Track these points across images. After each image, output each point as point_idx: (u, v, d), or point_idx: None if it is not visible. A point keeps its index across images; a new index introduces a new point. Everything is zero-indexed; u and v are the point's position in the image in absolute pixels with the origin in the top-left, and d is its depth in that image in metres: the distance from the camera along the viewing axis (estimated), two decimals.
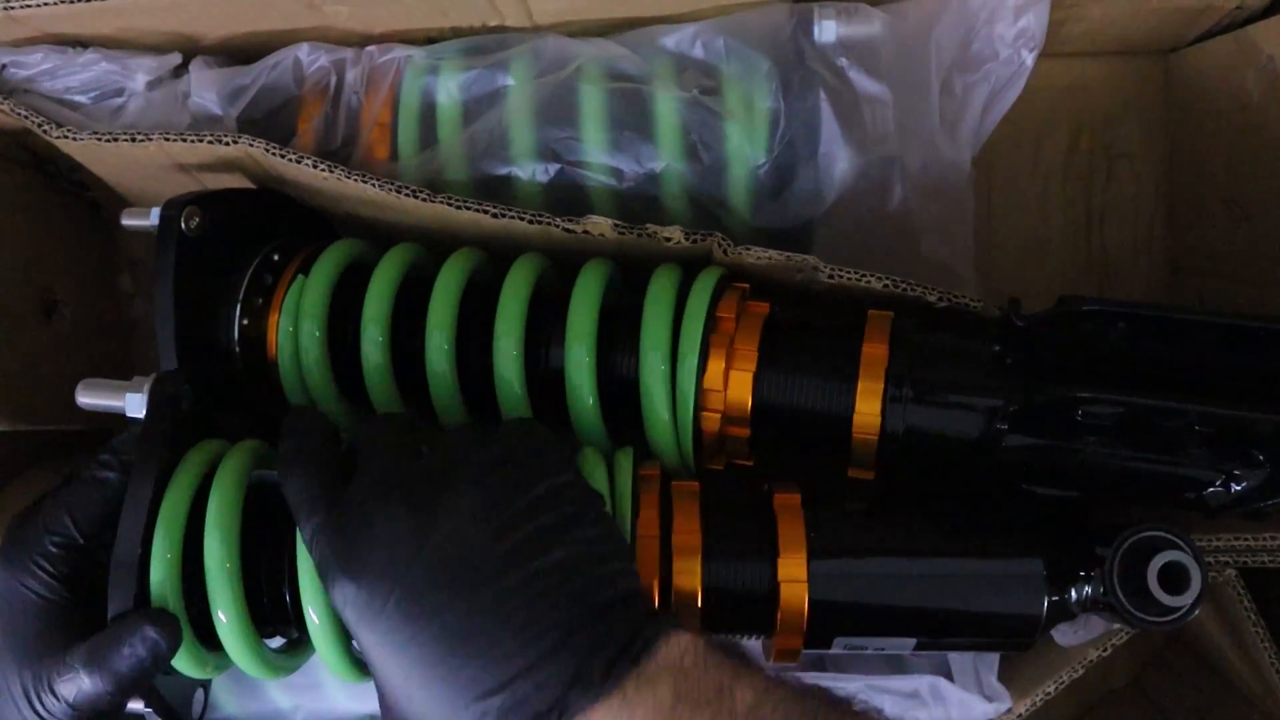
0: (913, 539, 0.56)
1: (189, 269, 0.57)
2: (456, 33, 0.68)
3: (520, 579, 0.44)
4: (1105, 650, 0.64)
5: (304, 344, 0.59)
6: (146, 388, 0.54)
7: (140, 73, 0.66)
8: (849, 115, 0.64)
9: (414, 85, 0.66)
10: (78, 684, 0.48)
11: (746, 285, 0.60)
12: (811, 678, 0.65)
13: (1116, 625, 0.62)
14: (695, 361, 0.55)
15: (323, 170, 0.60)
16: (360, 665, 0.52)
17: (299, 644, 0.57)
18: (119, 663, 0.48)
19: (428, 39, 0.68)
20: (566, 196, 0.64)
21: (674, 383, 0.56)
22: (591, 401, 0.57)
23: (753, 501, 0.57)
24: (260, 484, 0.53)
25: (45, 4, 0.62)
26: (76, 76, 0.66)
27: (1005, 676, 0.66)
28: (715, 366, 0.56)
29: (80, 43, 0.67)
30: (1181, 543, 0.51)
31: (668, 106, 0.63)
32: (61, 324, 0.77)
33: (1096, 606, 0.53)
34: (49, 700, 0.49)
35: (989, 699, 0.65)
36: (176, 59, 0.68)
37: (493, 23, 0.67)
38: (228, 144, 0.61)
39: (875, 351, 0.56)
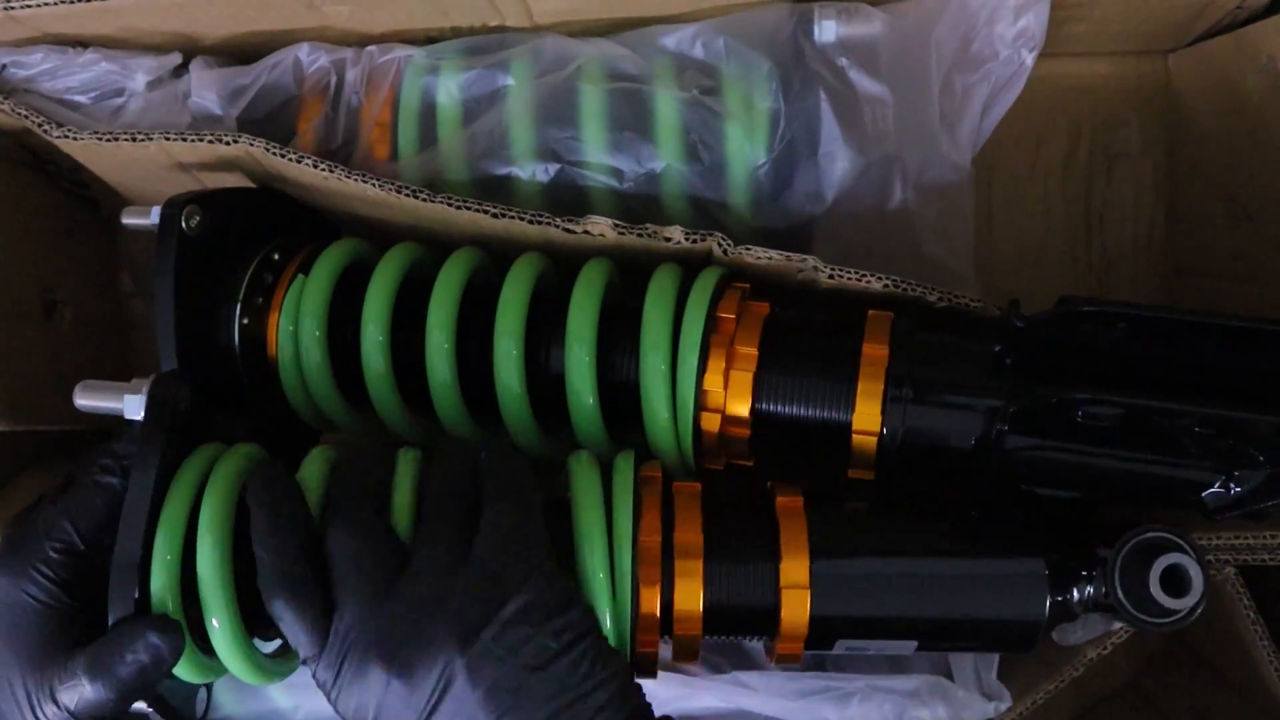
0: (915, 540, 0.56)
1: (189, 269, 0.57)
2: (456, 33, 0.68)
3: None
4: (1105, 650, 0.64)
5: (304, 344, 0.59)
6: (145, 390, 0.54)
7: (140, 73, 0.66)
8: (849, 115, 0.64)
9: (414, 85, 0.66)
10: (79, 692, 0.48)
11: (747, 285, 0.60)
12: (812, 677, 0.65)
13: (1117, 625, 0.62)
14: (695, 362, 0.55)
15: (323, 170, 0.60)
16: None
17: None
18: (122, 670, 0.47)
19: (428, 39, 0.68)
20: (566, 196, 0.64)
21: (674, 383, 0.56)
22: (591, 401, 0.57)
23: (755, 503, 0.57)
24: None
25: (45, 4, 0.62)
26: (76, 76, 0.66)
27: (1005, 676, 0.66)
28: (715, 367, 0.56)
29: (80, 43, 0.67)
30: (1184, 545, 0.51)
31: (668, 106, 0.63)
32: (61, 324, 0.77)
33: (1098, 607, 0.53)
34: (50, 709, 0.48)
35: (989, 698, 0.65)
36: (176, 59, 0.68)
37: (493, 23, 0.67)
38: (228, 144, 0.61)
39: (875, 352, 0.56)
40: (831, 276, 0.59)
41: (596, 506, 0.53)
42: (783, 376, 0.56)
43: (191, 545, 0.50)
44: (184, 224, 0.57)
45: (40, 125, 0.64)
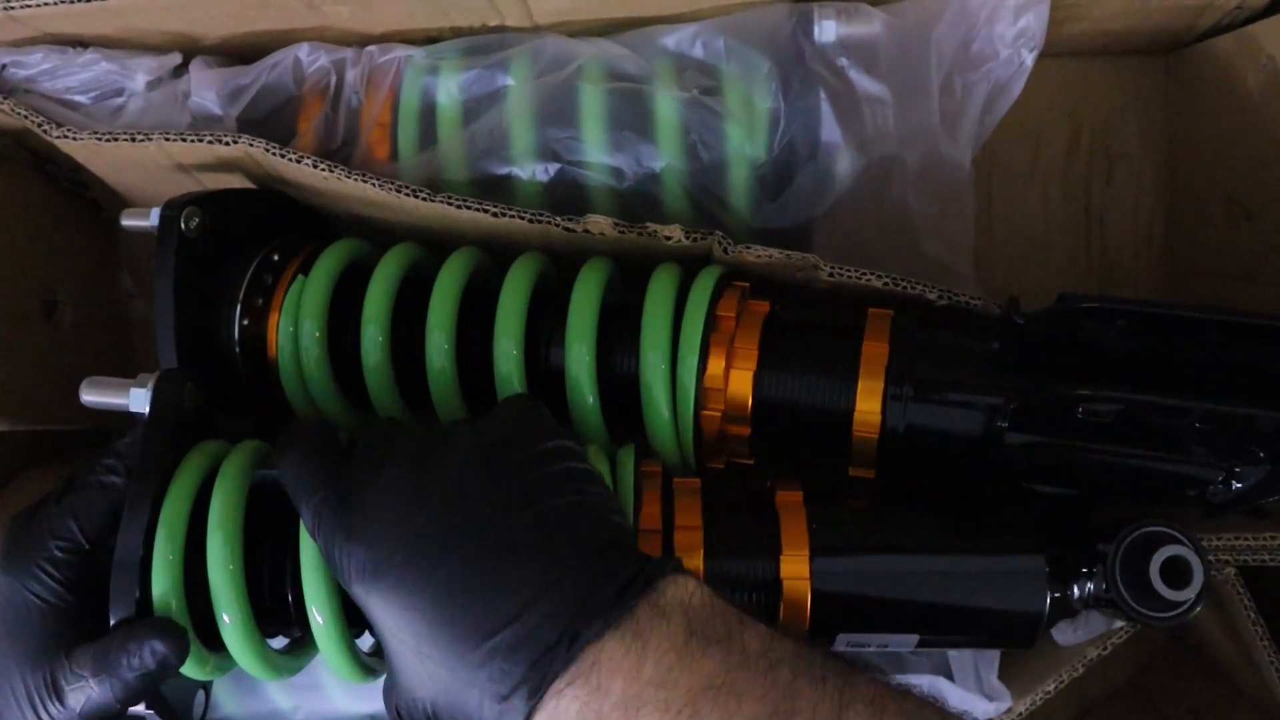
0: (915, 536, 0.56)
1: (189, 269, 0.57)
2: (456, 33, 0.68)
3: (524, 522, 0.44)
4: (1105, 649, 0.64)
5: (304, 344, 0.59)
6: (150, 384, 0.54)
7: (140, 73, 0.66)
8: (849, 115, 0.64)
9: (414, 85, 0.66)
10: (86, 693, 0.48)
11: (747, 284, 0.60)
12: None
13: (1117, 624, 0.62)
14: (695, 360, 0.56)
15: (323, 170, 0.60)
16: (363, 665, 0.52)
17: (302, 644, 0.57)
18: (127, 673, 0.47)
19: (428, 39, 0.68)
20: (566, 196, 0.64)
21: (674, 381, 0.56)
22: (592, 400, 0.57)
23: (755, 499, 0.57)
24: (261, 484, 0.53)
25: (45, 4, 0.62)
26: (76, 76, 0.66)
27: (1005, 675, 0.66)
28: (715, 365, 0.56)
29: (80, 43, 0.67)
30: (1183, 537, 0.51)
31: (668, 106, 0.63)
32: (61, 324, 0.77)
33: (1099, 603, 0.53)
34: (54, 708, 0.48)
35: (989, 698, 0.65)
36: (176, 59, 0.68)
37: (493, 23, 0.67)
38: (228, 144, 0.61)
39: (875, 350, 0.56)
40: (831, 275, 0.59)
41: None
42: (783, 375, 0.56)
43: (193, 542, 0.50)
44: (183, 225, 0.57)
45: (40, 125, 0.64)
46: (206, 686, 0.58)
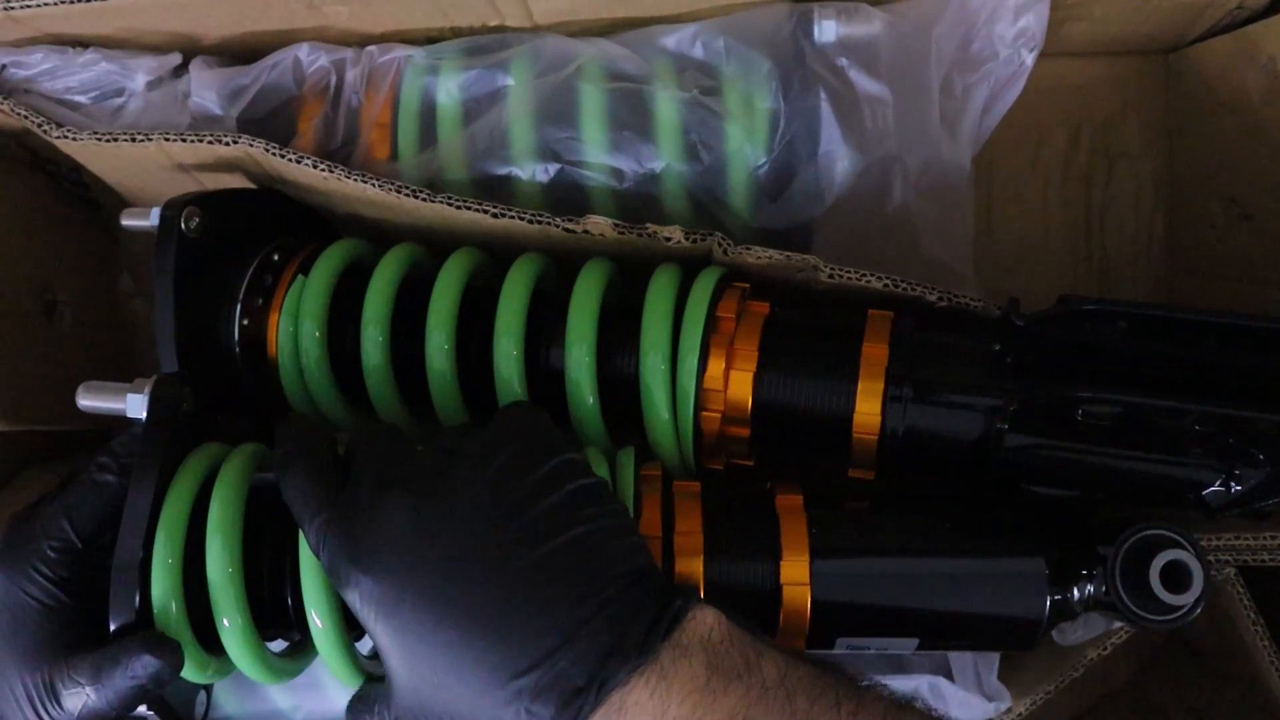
0: (915, 539, 0.56)
1: (189, 269, 0.57)
2: (456, 33, 0.68)
3: (541, 557, 0.44)
4: (1105, 650, 0.64)
5: (304, 344, 0.59)
6: (147, 389, 0.54)
7: (140, 73, 0.66)
8: (849, 115, 0.64)
9: (414, 85, 0.66)
10: (83, 699, 0.48)
11: (747, 285, 0.60)
12: None
13: (1117, 624, 0.62)
14: (695, 361, 0.55)
15: (323, 170, 0.60)
16: (362, 668, 0.52)
17: (301, 647, 0.56)
18: (122, 683, 0.47)
19: (428, 39, 0.68)
20: (566, 196, 0.64)
21: (674, 383, 0.56)
22: (592, 401, 0.57)
23: (755, 502, 0.57)
24: (260, 487, 0.53)
25: (45, 4, 0.62)
26: (76, 76, 0.66)
27: (1005, 676, 0.66)
28: (715, 366, 0.56)
29: (80, 43, 0.67)
30: (1184, 541, 0.51)
31: (668, 106, 0.63)
32: (61, 324, 0.77)
33: (1098, 605, 0.53)
34: (54, 710, 0.48)
35: (989, 698, 0.65)
36: (176, 59, 0.68)
37: (493, 23, 0.66)
38: (228, 144, 0.61)
39: (875, 351, 0.56)
40: (831, 276, 0.59)
41: None
42: (783, 376, 0.56)
43: (193, 545, 0.50)
44: (183, 225, 0.57)
45: (40, 125, 0.64)
46: (208, 687, 0.58)
